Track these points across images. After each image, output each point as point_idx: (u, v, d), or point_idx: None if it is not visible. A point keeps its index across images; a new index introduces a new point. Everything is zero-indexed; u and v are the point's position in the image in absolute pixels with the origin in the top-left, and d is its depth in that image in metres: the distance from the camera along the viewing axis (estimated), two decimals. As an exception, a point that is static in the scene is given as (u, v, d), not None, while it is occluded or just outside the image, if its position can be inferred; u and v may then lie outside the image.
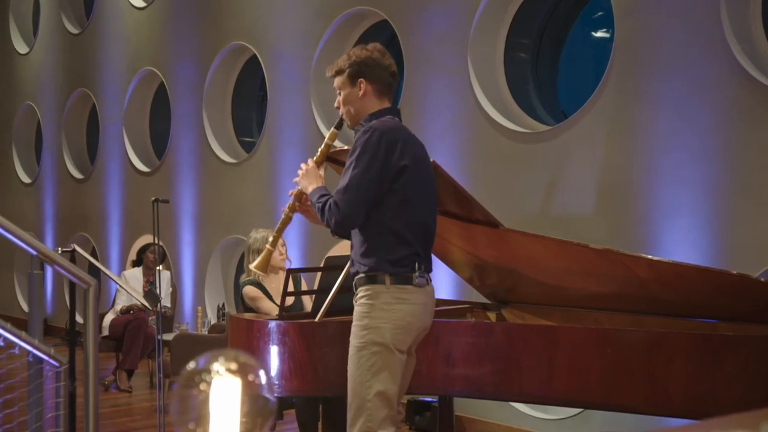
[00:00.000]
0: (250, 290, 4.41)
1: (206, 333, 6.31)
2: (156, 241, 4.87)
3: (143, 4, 8.51)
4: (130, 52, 8.78)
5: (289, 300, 4.46)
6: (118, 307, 6.82)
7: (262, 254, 3.16)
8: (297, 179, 3.01)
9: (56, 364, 2.22)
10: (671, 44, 4.30)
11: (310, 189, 2.95)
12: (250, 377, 0.97)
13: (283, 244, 4.59)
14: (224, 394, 0.94)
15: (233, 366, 0.96)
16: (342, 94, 2.99)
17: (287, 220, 3.08)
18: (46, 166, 10.30)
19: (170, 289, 7.07)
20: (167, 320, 7.00)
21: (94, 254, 9.38)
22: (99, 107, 9.26)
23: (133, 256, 7.62)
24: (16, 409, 2.36)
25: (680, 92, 4.24)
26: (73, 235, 9.59)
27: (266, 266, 3.16)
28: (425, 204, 2.96)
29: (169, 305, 7.00)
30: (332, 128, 3.05)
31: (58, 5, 9.99)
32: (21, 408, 2.34)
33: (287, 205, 3.08)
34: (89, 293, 2.28)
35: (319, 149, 3.05)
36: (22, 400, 2.27)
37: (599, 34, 6.08)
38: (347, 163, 2.83)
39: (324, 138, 3.11)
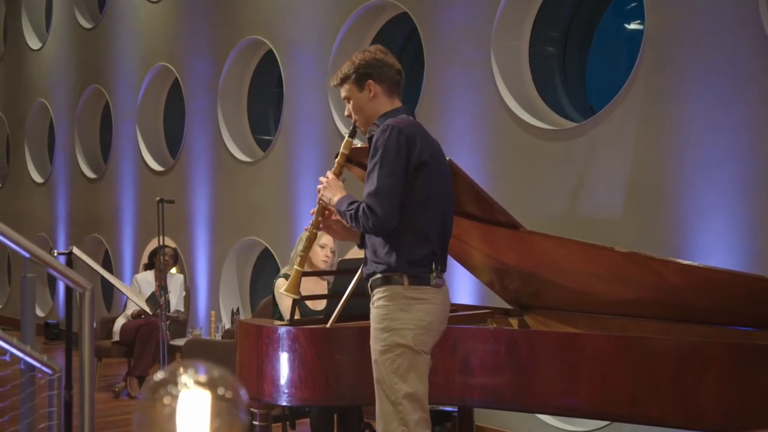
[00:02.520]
0: (281, 284, 4.47)
1: (220, 338, 6.30)
2: (161, 243, 4.87)
3: (157, -2, 8.56)
4: (144, 47, 8.83)
5: (320, 304, 4.45)
6: (129, 311, 6.83)
7: (292, 276, 3.16)
8: (320, 195, 3.05)
9: (49, 371, 2.21)
10: (705, 36, 4.22)
11: (335, 200, 2.98)
12: (220, 391, 0.94)
13: (333, 250, 4.60)
14: (192, 409, 0.90)
15: (202, 378, 0.93)
16: (351, 101, 3.03)
17: (313, 237, 3.13)
18: (58, 166, 10.38)
19: (183, 293, 7.08)
20: (181, 325, 7.02)
21: (107, 257, 9.44)
22: (112, 104, 9.31)
23: (146, 258, 7.65)
24: (6, 419, 2.35)
25: (714, 86, 4.16)
26: (86, 237, 9.66)
27: (297, 289, 3.15)
28: (444, 201, 3.00)
29: (182, 309, 7.02)
30: (346, 137, 3.10)
31: (71, -1, 10.08)
32: (12, 418, 2.34)
33: (311, 223, 3.12)
34: (85, 297, 2.27)
35: (336, 161, 3.09)
36: (13, 409, 2.27)
37: (632, 26, 6.00)
38: (370, 165, 2.86)
39: (341, 136, 3.13)
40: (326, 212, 3.10)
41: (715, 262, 3.83)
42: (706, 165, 4.18)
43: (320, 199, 3.07)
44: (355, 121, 3.08)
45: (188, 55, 8.14)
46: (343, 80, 3.03)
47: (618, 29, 6.06)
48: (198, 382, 0.92)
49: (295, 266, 3.17)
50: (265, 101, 7.90)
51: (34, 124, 10.98)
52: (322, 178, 3.07)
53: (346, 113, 3.10)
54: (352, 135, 3.09)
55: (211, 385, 0.92)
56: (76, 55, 10.08)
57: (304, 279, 4.38)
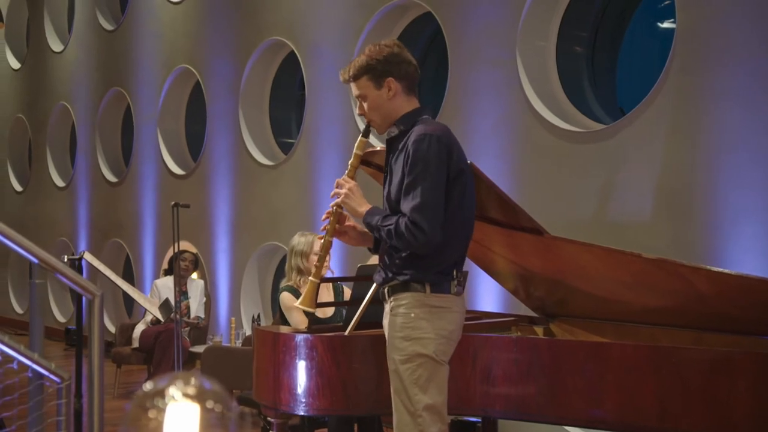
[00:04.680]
0: (285, 298, 4.43)
1: (240, 345, 6.32)
2: (176, 248, 4.88)
3: (178, -1, 8.62)
4: (165, 49, 8.89)
5: (329, 311, 4.44)
6: (149, 317, 6.86)
7: (307, 288, 3.08)
8: (339, 200, 2.94)
9: (57, 379, 2.21)
10: (738, 33, 4.16)
11: (360, 210, 2.90)
12: (209, 404, 0.92)
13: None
14: (180, 422, 0.89)
15: (190, 391, 0.91)
16: (367, 99, 2.90)
17: (328, 245, 3.02)
18: (80, 169, 10.48)
19: (204, 299, 7.10)
20: (201, 331, 7.04)
21: (128, 262, 9.50)
22: (133, 107, 9.38)
23: (166, 264, 7.69)
24: (14, 428, 2.36)
25: (749, 86, 4.10)
26: (107, 242, 9.73)
27: (314, 302, 3.06)
28: (473, 209, 2.96)
29: (202, 315, 7.04)
30: (360, 137, 2.97)
31: (93, 0, 10.16)
32: (20, 427, 2.34)
33: (326, 230, 3.01)
34: (94, 304, 2.27)
35: (350, 162, 2.99)
36: (21, 418, 2.27)
37: (665, 24, 5.93)
38: (409, 177, 2.76)
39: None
40: (342, 218, 3.01)
41: (749, 269, 3.77)
42: (739, 168, 4.11)
43: (338, 205, 2.96)
44: (369, 121, 2.96)
45: (210, 57, 8.18)
46: (358, 75, 2.88)
47: (650, 28, 6.00)
48: (186, 395, 0.90)
49: (311, 278, 3.08)
50: (287, 103, 7.92)
51: (56, 127, 11.10)
52: (339, 181, 2.96)
53: (357, 111, 2.97)
54: (366, 135, 2.95)
55: (199, 397, 0.91)
56: (97, 58, 10.17)
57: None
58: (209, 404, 0.90)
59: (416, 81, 2.95)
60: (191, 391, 0.91)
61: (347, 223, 3.03)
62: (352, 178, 2.97)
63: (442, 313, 2.81)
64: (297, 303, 3.09)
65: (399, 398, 2.82)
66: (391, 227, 2.76)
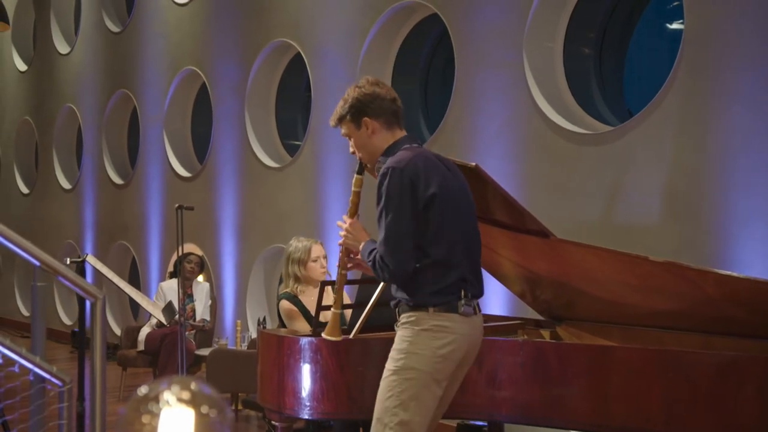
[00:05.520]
0: (285, 306, 4.38)
1: (245, 348, 6.32)
2: (180, 251, 4.88)
3: (185, 1, 8.62)
4: (171, 50, 8.91)
5: (328, 316, 4.41)
6: (155, 320, 6.87)
7: (331, 319, 3.13)
8: (342, 241, 3.04)
9: (59, 383, 2.22)
10: (747, 35, 4.15)
11: (360, 246, 2.99)
12: (204, 409, 0.92)
13: (325, 257, 4.56)
14: (174, 427, 0.89)
15: (185, 395, 0.91)
16: (352, 139, 3.04)
17: (343, 278, 3.12)
18: (86, 171, 10.50)
19: (209, 302, 7.11)
20: (206, 334, 7.05)
21: (134, 264, 9.52)
22: (140, 109, 9.40)
23: (172, 266, 7.69)
24: (16, 431, 2.36)
25: (757, 88, 4.09)
26: (113, 244, 9.75)
27: (338, 331, 3.14)
28: (463, 221, 2.96)
29: (208, 318, 7.05)
30: (355, 174, 3.09)
31: (100, 3, 10.20)
32: (22, 430, 2.34)
33: (338, 264, 3.12)
34: (97, 307, 2.28)
35: (350, 200, 3.08)
36: (23, 421, 2.27)
37: (674, 25, 5.92)
38: (377, 213, 2.87)
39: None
40: (351, 252, 3.08)
41: (757, 272, 3.76)
42: (747, 170, 4.10)
43: (344, 243, 3.05)
44: (360, 158, 3.07)
45: (216, 58, 8.19)
46: (340, 120, 3.05)
47: (658, 29, 5.98)
48: (181, 400, 0.90)
49: (332, 309, 3.14)
50: (294, 105, 7.92)
51: (62, 129, 11.13)
52: (340, 223, 3.07)
53: (351, 150, 3.09)
54: (360, 172, 3.07)
55: (194, 402, 0.90)
56: (104, 60, 10.20)
57: (312, 290, 4.36)
58: (204, 409, 0.90)
59: (396, 113, 3.03)
60: (186, 395, 0.90)
61: (357, 257, 3.08)
62: (353, 214, 3.05)
63: (442, 332, 2.84)
64: (323, 334, 3.14)
65: (378, 407, 2.86)
66: (371, 262, 2.89)
